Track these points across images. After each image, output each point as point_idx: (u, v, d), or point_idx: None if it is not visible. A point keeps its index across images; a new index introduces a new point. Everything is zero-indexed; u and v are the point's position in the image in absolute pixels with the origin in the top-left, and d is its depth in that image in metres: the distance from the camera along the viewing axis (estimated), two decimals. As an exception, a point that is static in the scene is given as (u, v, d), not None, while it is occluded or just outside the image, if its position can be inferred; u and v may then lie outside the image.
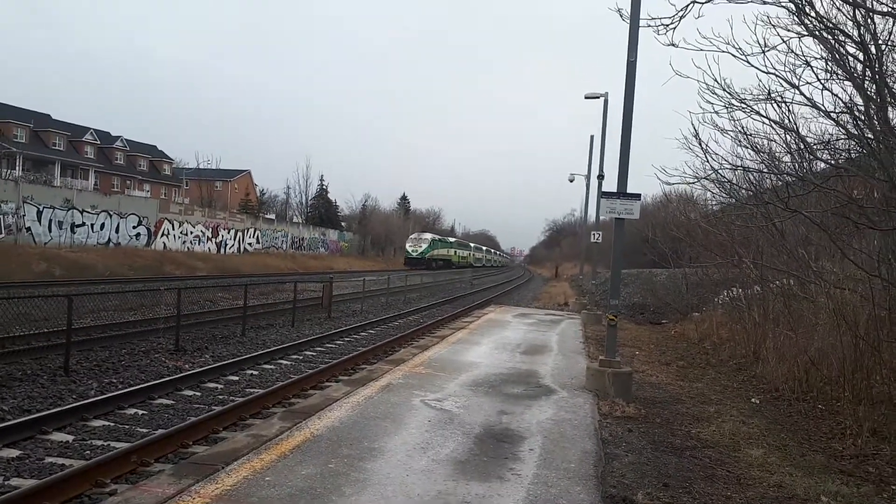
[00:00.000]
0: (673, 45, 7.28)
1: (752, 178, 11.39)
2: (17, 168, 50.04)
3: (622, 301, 19.76)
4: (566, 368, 9.71)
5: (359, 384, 7.58)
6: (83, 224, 32.51)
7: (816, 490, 4.91)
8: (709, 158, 10.22)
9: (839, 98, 7.66)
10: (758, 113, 8.20)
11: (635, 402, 7.54)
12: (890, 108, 7.18)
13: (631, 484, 4.82)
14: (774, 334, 10.26)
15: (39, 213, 30.01)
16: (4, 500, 4.42)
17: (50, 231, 30.49)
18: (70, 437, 6.31)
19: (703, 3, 6.63)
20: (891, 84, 7.07)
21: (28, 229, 29.33)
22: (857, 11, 6.66)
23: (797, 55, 7.31)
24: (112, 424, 6.85)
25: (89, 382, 8.57)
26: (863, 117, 7.37)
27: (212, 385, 8.94)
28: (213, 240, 44.58)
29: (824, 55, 7.35)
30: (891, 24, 6.81)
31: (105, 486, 5.07)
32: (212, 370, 9.45)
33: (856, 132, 7.66)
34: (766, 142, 9.86)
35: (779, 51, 7.25)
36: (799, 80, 7.48)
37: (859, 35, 6.75)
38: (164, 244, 38.95)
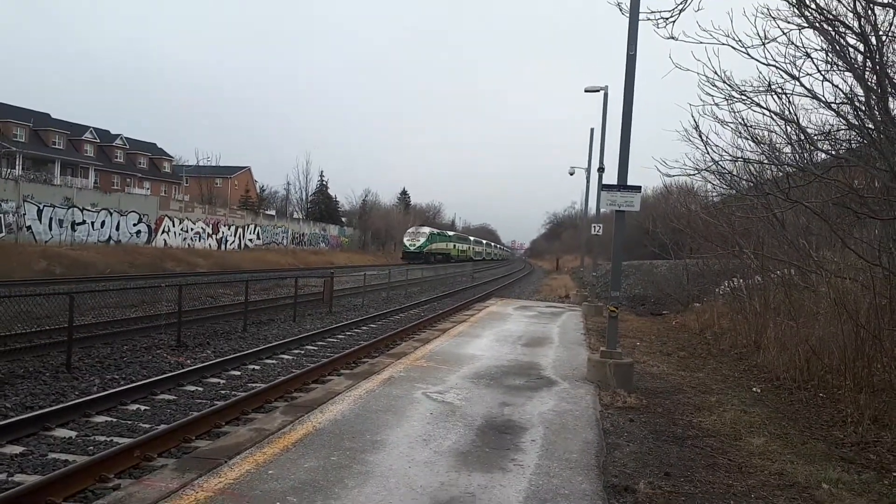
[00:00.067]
0: (673, 38, 7.28)
1: (752, 169, 11.37)
2: (17, 167, 50.01)
3: (623, 293, 19.74)
4: (567, 360, 9.73)
5: (360, 377, 7.60)
6: (83, 222, 32.51)
7: (817, 478, 4.92)
8: (709, 150, 10.24)
9: (839, 89, 7.65)
10: (758, 104, 8.20)
11: (636, 393, 7.56)
12: (890, 98, 7.17)
13: (633, 473, 4.84)
14: (775, 324, 10.27)
15: (40, 212, 30.01)
16: (9, 496, 4.44)
17: (50, 229, 30.49)
18: (73, 433, 6.33)
19: (702, -5, 6.62)
20: (891, 74, 7.06)
21: (29, 228, 29.33)
22: (857, 3, 6.65)
23: (797, 47, 7.30)
24: (115, 420, 6.87)
25: (91, 379, 8.59)
26: (863, 107, 7.35)
27: (214, 380, 8.96)
28: (214, 236, 44.60)
29: (825, 46, 7.33)
30: (891, 14, 6.80)
31: (109, 482, 5.09)
32: (214, 365, 9.47)
33: (856, 122, 7.64)
34: (766, 133, 9.87)
35: (779, 43, 7.24)
36: (799, 71, 7.48)
37: (860, 26, 6.73)
38: (165, 241, 38.96)
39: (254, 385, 8.72)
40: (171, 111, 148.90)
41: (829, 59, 7.42)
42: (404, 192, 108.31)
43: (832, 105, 7.73)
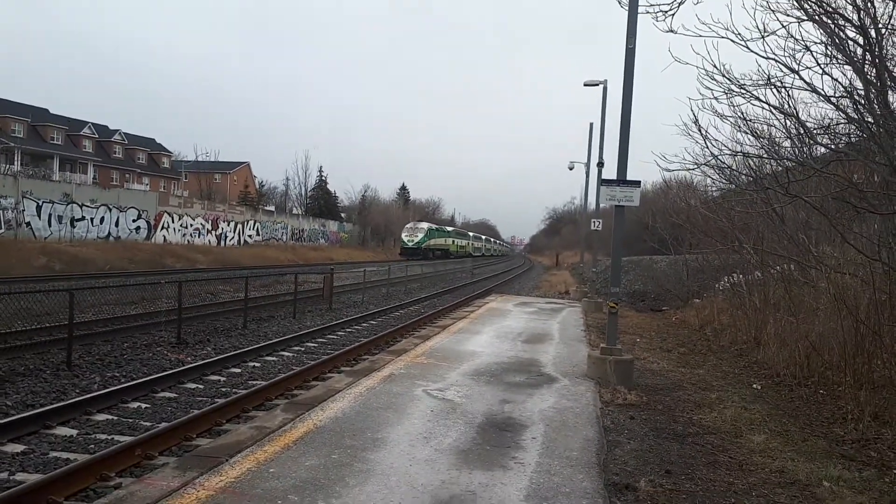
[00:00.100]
0: (672, 31, 7.26)
1: (752, 163, 11.36)
2: (15, 163, 49.91)
3: (623, 289, 19.77)
4: (567, 357, 9.73)
5: (361, 375, 7.60)
6: (83, 218, 32.49)
7: (818, 475, 4.92)
8: (708, 144, 10.22)
9: (839, 82, 7.63)
10: (757, 98, 8.18)
11: (637, 390, 7.57)
12: (890, 92, 7.15)
13: (633, 471, 4.84)
14: (775, 320, 10.27)
15: (39, 208, 29.99)
16: (10, 495, 4.44)
17: (49, 225, 30.48)
18: (74, 432, 6.33)
19: (702, -11, 6.60)
20: (891, 68, 7.04)
21: (28, 224, 29.32)
22: (856, -4, 6.62)
23: (797, 40, 7.28)
24: (116, 418, 6.87)
25: (92, 377, 8.59)
26: (863, 101, 7.33)
27: (214, 377, 8.97)
28: (213, 232, 44.57)
29: (824, 40, 7.31)
30: (891, 7, 6.77)
31: (110, 480, 5.09)
32: (214, 363, 9.47)
33: (856, 116, 7.62)
34: (765, 127, 9.84)
35: (778, 36, 7.22)
36: (798, 64, 7.45)
37: (859, 19, 6.71)
38: (164, 237, 38.94)
39: (254, 382, 8.72)
40: (170, 106, 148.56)
41: (829, 53, 7.41)
42: (403, 188, 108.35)
43: (831, 99, 7.72)
